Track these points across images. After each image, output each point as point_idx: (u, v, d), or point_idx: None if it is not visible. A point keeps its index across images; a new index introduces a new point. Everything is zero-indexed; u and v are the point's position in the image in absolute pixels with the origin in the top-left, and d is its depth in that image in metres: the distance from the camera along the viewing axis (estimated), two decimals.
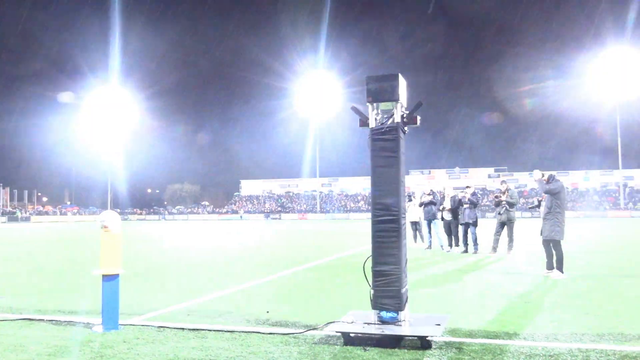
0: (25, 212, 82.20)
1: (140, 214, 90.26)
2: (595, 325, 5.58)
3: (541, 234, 9.54)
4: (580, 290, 7.87)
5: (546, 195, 9.51)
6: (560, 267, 9.21)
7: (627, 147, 70.69)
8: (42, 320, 6.09)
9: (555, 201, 9.34)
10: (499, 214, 13.50)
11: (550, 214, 9.32)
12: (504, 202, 13.21)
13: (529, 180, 74.63)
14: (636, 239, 20.64)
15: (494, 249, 13.32)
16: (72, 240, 23.64)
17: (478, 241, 13.91)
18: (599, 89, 68.66)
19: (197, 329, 5.55)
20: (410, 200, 16.25)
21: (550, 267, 9.44)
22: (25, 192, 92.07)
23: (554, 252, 9.36)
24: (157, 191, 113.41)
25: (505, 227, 13.29)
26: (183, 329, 5.59)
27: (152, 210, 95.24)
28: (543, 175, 9.67)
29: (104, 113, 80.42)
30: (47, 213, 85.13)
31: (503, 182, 14.37)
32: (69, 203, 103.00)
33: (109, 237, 5.65)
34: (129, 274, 9.41)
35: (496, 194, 13.82)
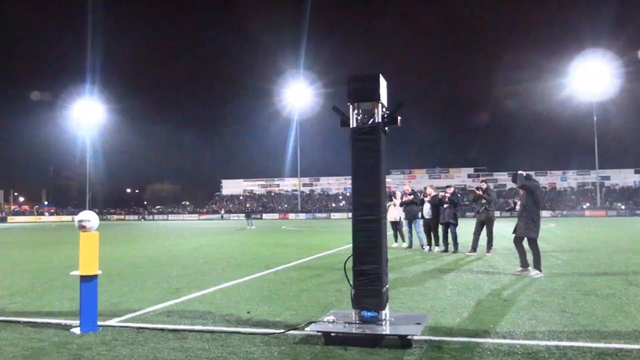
0: (2, 212, 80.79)
1: (120, 214, 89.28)
2: (572, 322, 5.67)
3: (514, 232, 9.63)
4: (557, 288, 7.98)
5: (522, 193, 9.61)
6: (537, 266, 9.31)
7: (604, 148, 71.93)
8: (19, 322, 5.99)
9: (530, 199, 9.44)
10: (478, 212, 13.64)
11: (525, 212, 9.43)
12: (483, 200, 13.33)
13: (509, 180, 75.44)
14: (611, 238, 21.00)
15: (474, 248, 13.44)
16: (49, 241, 23.29)
17: (458, 241, 14.03)
18: (577, 91, 69.72)
19: (177, 330, 5.51)
20: (390, 200, 16.32)
21: (524, 264, 9.53)
22: (1, 193, 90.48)
23: (530, 250, 9.45)
24: (137, 191, 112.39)
25: (485, 226, 13.41)
26: (162, 329, 5.55)
27: (131, 210, 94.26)
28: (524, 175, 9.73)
29: (83, 112, 79.44)
30: (23, 213, 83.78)
31: (483, 181, 14.53)
32: (46, 203, 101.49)
33: (87, 237, 5.57)
34: (107, 275, 9.31)
35: (476, 188, 13.91)
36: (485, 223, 13.41)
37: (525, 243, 9.60)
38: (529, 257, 9.58)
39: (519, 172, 9.74)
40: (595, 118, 69.53)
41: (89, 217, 5.64)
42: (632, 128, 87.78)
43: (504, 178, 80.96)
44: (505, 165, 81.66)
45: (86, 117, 79.98)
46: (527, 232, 9.37)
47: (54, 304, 7.17)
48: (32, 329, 5.66)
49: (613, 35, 69.06)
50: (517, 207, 9.84)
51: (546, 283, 8.47)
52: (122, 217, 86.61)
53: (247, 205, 65.07)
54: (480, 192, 13.45)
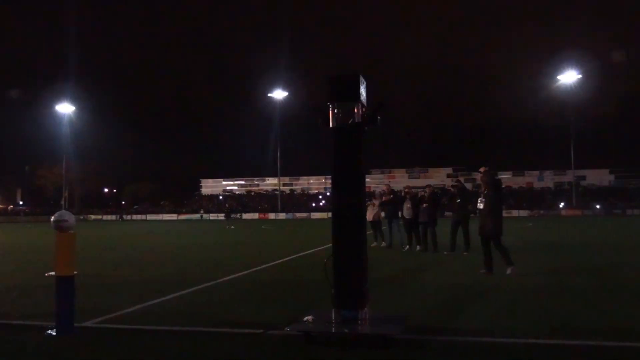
0: None
1: (97, 214, 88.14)
2: (549, 320, 5.74)
3: (482, 232, 9.40)
4: (535, 286, 8.08)
5: (487, 191, 9.32)
6: (510, 261, 9.18)
7: (579, 148, 73.06)
8: None
9: (496, 198, 9.33)
10: (453, 212, 13.77)
11: (493, 212, 9.28)
12: (458, 199, 13.45)
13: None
14: (586, 236, 21.34)
15: (452, 247, 13.54)
16: (24, 241, 22.88)
17: (437, 240, 14.11)
18: (554, 93, 70.78)
19: (155, 331, 5.46)
20: (370, 199, 16.38)
21: (490, 269, 9.34)
22: None
23: (497, 249, 9.24)
24: (115, 191, 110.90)
25: (460, 225, 13.52)
26: (140, 330, 5.49)
27: (109, 210, 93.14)
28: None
29: (59, 110, 78.27)
30: None
31: (458, 180, 14.75)
32: (21, 203, 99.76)
33: (64, 237, 5.49)
34: (84, 276, 9.17)
35: (451, 186, 14.00)
36: (460, 222, 13.51)
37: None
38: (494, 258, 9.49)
39: (485, 168, 9.70)
40: (572, 119, 70.67)
41: (65, 217, 5.56)
42: (607, 129, 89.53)
43: None
44: (483, 165, 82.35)
45: (62, 116, 78.84)
46: (496, 231, 9.21)
47: (29, 305, 7.05)
48: (8, 332, 5.56)
49: (589, 37, 70.42)
50: (481, 205, 9.46)
51: (524, 281, 8.57)
52: (100, 217, 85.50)
53: (227, 204, 64.60)
54: (456, 191, 13.58)
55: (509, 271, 9.12)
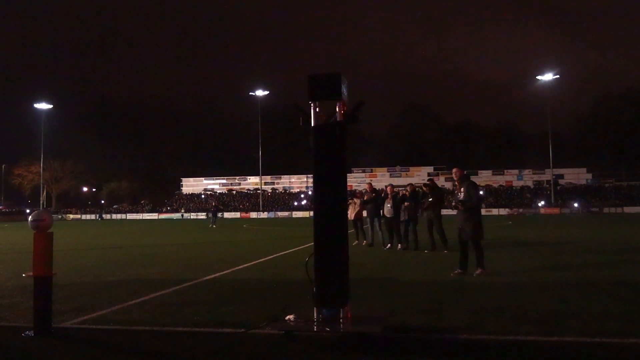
0: None
1: (76, 213, 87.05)
2: (527, 317, 5.81)
3: (461, 234, 9.31)
4: (513, 284, 8.17)
5: (464, 190, 9.24)
6: (482, 264, 9.16)
7: (558, 148, 74.05)
8: None
9: (476, 195, 9.23)
10: (424, 209, 13.87)
11: (475, 213, 9.26)
12: (430, 199, 13.57)
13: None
14: (564, 234, 21.63)
15: (432, 246, 13.63)
16: (1, 241, 22.51)
17: (418, 238, 14.20)
18: (531, 93, 71.80)
19: (135, 331, 5.41)
20: (352, 198, 16.42)
21: (465, 267, 9.29)
22: None
23: (474, 249, 9.20)
24: (94, 190, 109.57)
25: (433, 224, 13.60)
26: (120, 331, 5.44)
27: (88, 209, 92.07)
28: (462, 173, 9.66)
29: (36, 108, 77.12)
30: None
31: (430, 179, 14.91)
32: None
33: (41, 237, 5.42)
34: (62, 276, 9.06)
35: (423, 185, 14.11)
36: (432, 221, 13.61)
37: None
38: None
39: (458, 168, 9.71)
40: (549, 119, 71.66)
41: (43, 216, 5.49)
42: (584, 128, 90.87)
43: None
44: (464, 164, 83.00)
45: (40, 114, 77.70)
46: (478, 235, 9.19)
47: (6, 306, 6.94)
48: None
49: (565, 40, 71.53)
50: (460, 196, 9.27)
51: (503, 279, 8.66)
52: (79, 216, 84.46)
53: (213, 203, 64.06)
54: (427, 190, 13.70)
55: (478, 271, 9.14)
